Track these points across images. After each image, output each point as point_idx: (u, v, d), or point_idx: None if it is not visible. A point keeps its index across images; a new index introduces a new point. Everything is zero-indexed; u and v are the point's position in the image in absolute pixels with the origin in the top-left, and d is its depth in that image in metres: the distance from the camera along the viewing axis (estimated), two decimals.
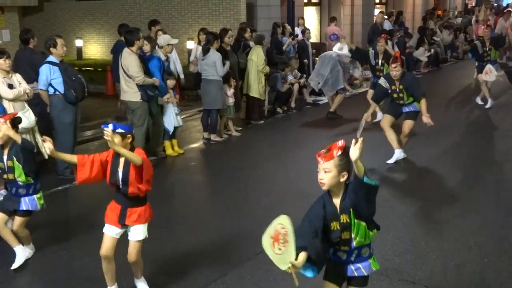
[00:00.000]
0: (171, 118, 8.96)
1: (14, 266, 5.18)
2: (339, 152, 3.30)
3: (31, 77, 8.17)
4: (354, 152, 3.15)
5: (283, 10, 16.64)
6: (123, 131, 4.18)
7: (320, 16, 20.89)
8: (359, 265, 3.53)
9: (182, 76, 10.34)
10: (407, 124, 8.27)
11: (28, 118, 7.38)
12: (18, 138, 4.92)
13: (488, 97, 12.24)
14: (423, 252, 5.46)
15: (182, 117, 9.60)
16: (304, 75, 13.35)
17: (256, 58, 10.77)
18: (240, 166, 8.69)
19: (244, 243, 5.70)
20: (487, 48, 12.09)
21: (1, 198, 6.55)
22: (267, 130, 10.91)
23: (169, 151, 9.10)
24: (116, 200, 4.42)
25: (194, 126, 11.15)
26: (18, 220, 5.09)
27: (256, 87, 10.88)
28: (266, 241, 3.43)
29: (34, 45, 9.15)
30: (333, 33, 16.25)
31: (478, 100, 12.61)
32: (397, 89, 8.07)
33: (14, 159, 4.95)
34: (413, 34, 18.95)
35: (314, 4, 20.76)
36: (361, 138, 3.16)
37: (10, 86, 7.23)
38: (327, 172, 3.31)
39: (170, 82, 8.98)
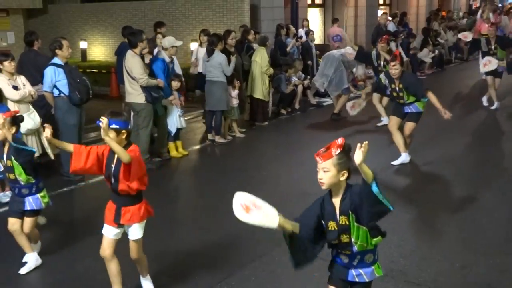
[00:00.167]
0: (174, 120, 8.96)
1: (23, 271, 5.18)
2: (338, 151, 3.23)
3: (36, 79, 8.19)
4: (358, 156, 3.08)
5: (286, 12, 16.63)
6: (117, 126, 4.14)
7: (323, 17, 20.90)
8: (361, 270, 3.44)
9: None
10: (408, 126, 8.22)
11: (33, 119, 7.41)
12: (9, 135, 4.88)
13: (495, 99, 12.19)
14: (428, 253, 5.45)
15: (186, 118, 9.60)
16: (308, 77, 13.35)
17: (260, 59, 10.77)
18: (244, 167, 8.69)
19: (248, 245, 5.70)
20: (493, 47, 12.04)
21: (7, 199, 6.58)
22: (271, 131, 10.90)
23: (173, 153, 9.11)
24: (112, 199, 4.40)
25: (198, 127, 11.15)
26: (27, 221, 5.08)
27: (260, 88, 10.88)
28: (241, 215, 3.51)
29: (39, 47, 9.17)
30: (336, 34, 16.25)
31: (484, 100, 12.57)
32: (397, 88, 8.03)
33: (12, 158, 4.95)
34: (417, 35, 18.91)
35: (318, 6, 20.77)
36: (366, 142, 3.11)
37: (15, 88, 7.27)
38: (326, 172, 3.24)
39: (175, 84, 8.98)
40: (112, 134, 4.12)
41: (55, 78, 7.66)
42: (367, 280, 3.45)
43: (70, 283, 5.04)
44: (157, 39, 9.64)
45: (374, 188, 3.12)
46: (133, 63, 8.16)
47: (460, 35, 15.48)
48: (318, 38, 18.64)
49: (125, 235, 4.54)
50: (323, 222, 3.38)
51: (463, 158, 8.80)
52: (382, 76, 8.37)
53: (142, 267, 4.72)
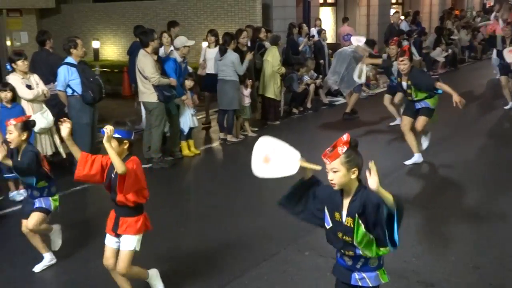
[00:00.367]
0: (187, 119, 8.97)
1: (37, 269, 5.21)
2: (345, 148, 3.12)
3: (48, 78, 8.24)
4: (372, 182, 2.91)
5: (298, 11, 16.61)
6: (119, 136, 4.08)
7: (336, 16, 20.85)
8: (364, 274, 3.29)
9: None
10: (420, 121, 8.06)
11: (46, 118, 7.46)
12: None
13: (509, 99, 12.08)
14: (441, 254, 5.41)
15: (198, 117, 9.62)
16: (320, 76, 13.32)
17: (272, 58, 10.76)
18: None
19: (260, 243, 5.70)
20: (507, 45, 11.91)
21: (21, 197, 6.63)
22: (283, 130, 10.89)
23: (185, 152, 9.12)
24: (114, 209, 4.36)
25: (210, 126, 11.15)
26: (32, 216, 5.01)
27: (272, 87, 10.86)
28: (260, 171, 3.52)
29: (50, 46, 9.23)
30: (347, 34, 16.23)
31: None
32: (406, 84, 7.97)
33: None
34: (430, 34, 18.82)
35: (330, 5, 20.72)
36: (372, 162, 2.96)
37: (28, 87, 7.32)
38: (335, 172, 3.13)
39: (188, 83, 9.00)
40: (114, 143, 4.06)
41: (68, 77, 7.72)
42: (370, 285, 3.30)
43: (83, 282, 5.06)
44: (163, 38, 9.59)
45: (396, 215, 3.02)
46: (145, 62, 8.18)
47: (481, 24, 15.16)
48: (330, 37, 18.60)
49: None
50: (325, 211, 3.31)
51: (477, 159, 8.73)
52: (395, 63, 8.27)
53: (124, 285, 4.47)
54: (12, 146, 4.93)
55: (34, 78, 7.50)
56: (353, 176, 3.16)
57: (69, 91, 7.80)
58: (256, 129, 10.75)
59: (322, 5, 19.61)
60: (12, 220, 5.95)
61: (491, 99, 12.92)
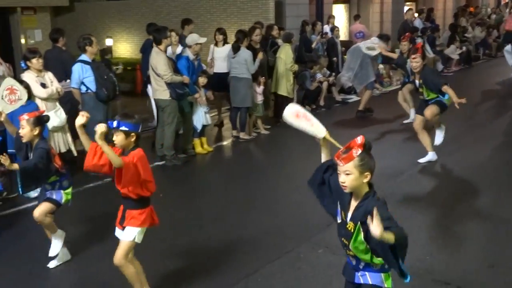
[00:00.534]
0: (200, 116, 8.98)
1: (52, 265, 5.26)
2: (359, 151, 3.05)
3: (60, 76, 8.28)
4: (375, 229, 2.76)
5: (311, 8, 16.56)
6: (126, 129, 4.08)
7: (349, 13, 20.76)
8: (366, 272, 3.24)
9: None
10: (430, 109, 7.86)
11: (59, 117, 7.49)
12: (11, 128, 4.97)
13: None
14: (456, 252, 5.38)
15: (211, 115, 9.62)
16: (333, 73, 13.28)
17: (285, 56, 10.74)
18: (269, 164, 8.68)
19: (274, 241, 5.69)
20: None
21: (36, 194, 6.66)
22: (295, 128, 10.85)
23: (198, 149, 9.14)
24: (122, 202, 4.36)
25: (223, 124, 11.16)
26: (41, 205, 5.03)
27: (285, 85, 10.84)
28: (291, 118, 3.57)
29: (63, 44, 9.27)
30: (359, 31, 16.15)
31: None
32: (418, 83, 7.91)
33: None
34: (444, 31, 18.70)
35: (343, 2, 20.63)
36: (375, 210, 2.82)
37: (43, 85, 7.35)
38: (348, 175, 3.06)
39: (202, 80, 9.00)
40: (121, 136, 4.08)
41: (82, 75, 7.76)
42: (370, 282, 3.23)
43: (97, 277, 5.08)
44: (171, 37, 9.49)
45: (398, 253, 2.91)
46: (157, 59, 8.20)
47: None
48: (343, 35, 18.53)
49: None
50: (338, 206, 3.28)
51: (492, 158, 8.65)
52: (408, 63, 8.22)
53: (128, 277, 4.39)
54: (24, 140, 4.94)
55: (49, 76, 7.53)
56: (365, 180, 3.11)
57: (83, 89, 7.85)
58: (269, 126, 10.74)
59: (335, 2, 19.52)
60: (27, 216, 5.98)
61: (507, 97, 12.80)
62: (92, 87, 7.79)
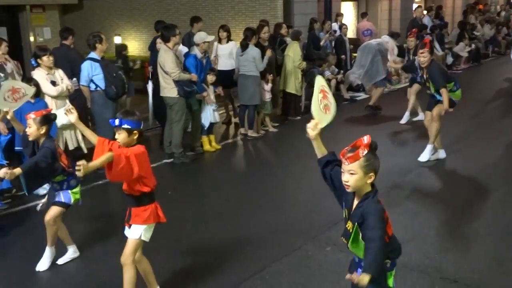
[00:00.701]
0: (208, 114, 8.99)
1: (60, 261, 5.29)
2: (365, 151, 3.02)
3: (67, 74, 8.31)
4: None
5: (320, 6, 16.52)
6: (129, 126, 4.06)
7: (357, 11, 20.69)
8: None
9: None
10: (437, 109, 7.81)
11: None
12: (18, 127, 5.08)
13: None
14: (464, 250, 5.36)
15: (219, 113, 9.63)
16: (342, 71, 13.25)
17: (293, 54, 10.73)
18: (277, 161, 8.68)
19: (281, 239, 5.69)
20: None
21: (45, 191, 6.70)
22: (303, 126, 10.70)
23: (206, 147, 9.15)
24: (127, 200, 4.34)
25: (231, 123, 11.16)
26: (51, 209, 5.06)
27: (293, 83, 10.84)
28: (319, 84, 3.43)
29: (71, 43, 9.32)
30: (367, 29, 16.12)
31: None
32: (425, 77, 7.85)
33: None
34: (453, 29, 18.62)
35: None
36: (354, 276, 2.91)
37: (53, 83, 7.37)
38: (352, 174, 3.04)
39: (210, 77, 9.01)
40: (124, 134, 4.07)
41: (91, 72, 7.79)
42: None
43: (105, 273, 5.10)
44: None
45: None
46: (165, 57, 8.22)
47: None
48: (351, 32, 18.48)
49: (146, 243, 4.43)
50: (343, 203, 3.27)
51: (501, 156, 8.62)
52: (416, 60, 8.15)
53: (126, 277, 4.33)
54: (30, 139, 4.94)
55: (59, 74, 7.56)
56: (369, 181, 3.09)
57: (92, 86, 7.87)
58: (277, 124, 10.74)
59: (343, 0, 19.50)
60: (35, 213, 6.01)
61: None
62: (101, 84, 7.81)
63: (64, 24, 15.78)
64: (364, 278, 2.87)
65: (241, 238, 5.80)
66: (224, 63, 10.36)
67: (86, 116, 8.52)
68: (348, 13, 20.19)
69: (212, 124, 9.15)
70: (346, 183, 3.07)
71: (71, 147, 7.66)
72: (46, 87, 7.29)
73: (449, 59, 16.78)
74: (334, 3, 17.12)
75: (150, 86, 9.73)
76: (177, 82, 8.22)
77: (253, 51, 9.53)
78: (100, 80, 7.81)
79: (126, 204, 4.37)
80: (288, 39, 11.27)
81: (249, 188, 7.55)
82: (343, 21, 15.69)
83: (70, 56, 8.98)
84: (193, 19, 10.91)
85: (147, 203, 4.27)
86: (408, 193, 6.99)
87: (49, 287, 5.04)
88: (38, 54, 7.39)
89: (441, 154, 8.22)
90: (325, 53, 13.10)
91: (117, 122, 4.06)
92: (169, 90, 8.33)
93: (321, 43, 13.43)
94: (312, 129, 3.39)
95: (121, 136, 4.10)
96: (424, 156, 8.05)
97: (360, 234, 3.08)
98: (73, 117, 4.31)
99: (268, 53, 9.75)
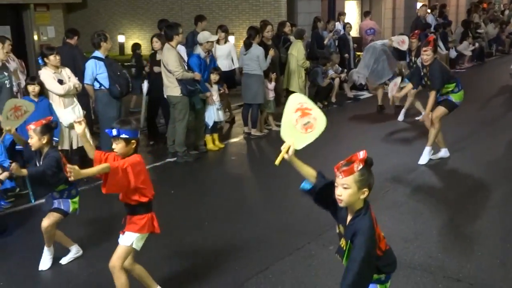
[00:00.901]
0: (211, 113, 8.99)
1: (64, 261, 5.30)
2: (360, 166, 2.97)
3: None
4: None
5: (323, 4, 16.53)
6: (127, 136, 4.02)
7: (361, 9, 20.69)
8: None
9: (236, 66, 10.56)
10: (436, 110, 7.77)
11: (76, 113, 7.49)
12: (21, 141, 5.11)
13: None
14: (468, 249, 5.36)
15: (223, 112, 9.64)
16: (345, 70, 13.25)
17: (297, 52, 10.73)
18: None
19: (285, 238, 5.70)
20: None
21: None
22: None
23: (210, 146, 9.15)
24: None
25: (235, 120, 11.17)
26: (49, 215, 5.05)
27: (296, 81, 10.84)
28: (294, 101, 3.32)
29: (75, 42, 9.34)
30: (369, 28, 16.10)
31: None
32: (427, 75, 7.76)
33: None
34: (456, 27, 18.59)
35: None
36: None
37: (60, 82, 7.36)
38: (346, 188, 2.97)
39: (214, 77, 9.00)
40: (122, 144, 4.02)
41: (96, 71, 7.81)
42: None
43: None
44: (154, 42, 9.31)
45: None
46: (168, 56, 8.22)
47: None
48: (355, 31, 18.47)
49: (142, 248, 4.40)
50: (335, 219, 3.23)
51: (503, 155, 8.62)
52: (418, 60, 8.10)
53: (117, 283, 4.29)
54: (33, 149, 4.93)
55: (66, 72, 7.54)
56: (362, 197, 3.03)
57: (96, 85, 7.89)
58: (280, 123, 10.70)
59: None
60: (39, 213, 6.02)
61: None
62: (106, 83, 7.83)
63: (68, 23, 15.82)
64: None
65: (244, 237, 5.80)
66: (222, 64, 10.38)
67: (90, 115, 8.52)
68: (352, 11, 20.19)
69: (215, 123, 9.15)
70: (339, 197, 3.01)
71: (75, 146, 7.65)
72: (53, 85, 7.28)
73: (453, 53, 16.75)
74: (338, 1, 17.13)
75: (145, 85, 9.69)
76: (180, 81, 8.23)
77: (256, 50, 9.53)
78: (104, 79, 7.82)
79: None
80: (292, 38, 11.27)
81: (252, 187, 7.55)
82: (347, 20, 15.69)
83: (73, 55, 8.99)
84: (197, 18, 10.92)
85: (144, 212, 4.22)
86: (411, 193, 6.98)
87: (53, 286, 5.06)
88: (45, 53, 7.40)
89: (445, 153, 8.21)
90: (329, 52, 13.10)
91: (114, 132, 4.00)
92: (172, 89, 8.33)
93: (325, 42, 13.43)
94: (286, 153, 3.29)
95: (118, 146, 4.05)
96: (424, 159, 8.02)
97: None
98: (80, 128, 4.20)
99: (271, 52, 9.75)
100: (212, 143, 9.20)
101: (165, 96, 8.65)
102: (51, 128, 4.99)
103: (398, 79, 9.42)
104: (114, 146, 4.08)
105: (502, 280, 4.78)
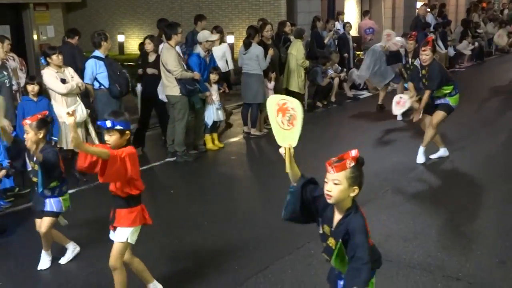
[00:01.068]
0: (211, 113, 8.99)
1: (63, 261, 5.30)
2: (352, 163, 2.95)
3: None
4: None
5: (323, 4, 16.54)
6: (121, 127, 4.01)
7: (361, 8, 20.70)
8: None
9: (231, 67, 10.51)
10: (436, 115, 7.75)
11: (79, 112, 7.48)
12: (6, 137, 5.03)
13: None
14: (467, 248, 5.36)
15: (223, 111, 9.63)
16: (345, 69, 13.25)
17: (296, 52, 10.73)
18: (279, 160, 8.62)
19: (285, 237, 5.70)
20: None
21: None
22: (306, 124, 10.66)
23: (209, 145, 9.15)
24: (112, 201, 4.29)
25: (234, 120, 11.17)
26: (44, 221, 5.04)
27: (296, 81, 10.85)
28: (272, 106, 3.23)
29: (76, 42, 9.34)
30: (368, 27, 16.10)
31: None
32: (426, 76, 7.71)
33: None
34: (456, 27, 18.60)
35: None
36: None
37: (63, 81, 7.34)
38: (336, 184, 2.94)
39: (213, 76, 9.00)
40: (116, 135, 4.00)
41: (95, 71, 7.80)
42: None
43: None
44: (147, 44, 9.19)
45: None
46: (167, 55, 8.21)
47: None
48: (355, 30, 18.48)
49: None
50: (319, 219, 3.20)
51: (503, 154, 8.62)
52: (416, 61, 8.03)
53: (117, 280, 4.30)
54: (28, 145, 4.87)
55: (69, 72, 7.51)
56: (352, 194, 3.01)
57: (96, 85, 7.88)
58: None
59: None
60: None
61: None
62: (105, 83, 7.82)
63: (68, 22, 15.82)
64: None
65: (244, 236, 5.80)
66: (219, 65, 10.35)
67: (94, 114, 8.50)
68: (352, 11, 20.20)
69: (215, 123, 9.15)
70: (329, 193, 2.98)
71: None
72: (55, 85, 7.26)
73: (451, 51, 16.77)
74: (338, 1, 17.14)
75: (139, 88, 9.60)
76: (180, 81, 8.22)
77: (256, 49, 9.54)
78: (104, 78, 7.82)
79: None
80: (292, 38, 11.28)
81: (252, 187, 7.55)
82: (347, 19, 15.69)
83: (73, 54, 9.00)
84: (197, 18, 10.92)
85: (133, 205, 4.21)
86: (410, 192, 6.99)
87: (52, 286, 5.06)
88: (48, 52, 7.38)
89: (444, 152, 8.20)
90: (328, 51, 13.10)
91: (109, 124, 3.96)
92: (171, 89, 8.33)
93: (325, 41, 13.42)
94: (286, 156, 3.27)
95: (113, 138, 4.03)
96: (420, 159, 8.03)
97: (345, 250, 3.01)
98: (70, 119, 4.00)
99: (271, 51, 9.75)
100: (211, 142, 9.20)
101: (159, 97, 8.69)
102: (47, 122, 4.97)
103: (397, 96, 9.33)
104: (107, 138, 4.04)
105: (502, 279, 4.78)
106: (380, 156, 8.34)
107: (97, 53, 7.87)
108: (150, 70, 8.86)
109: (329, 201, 3.00)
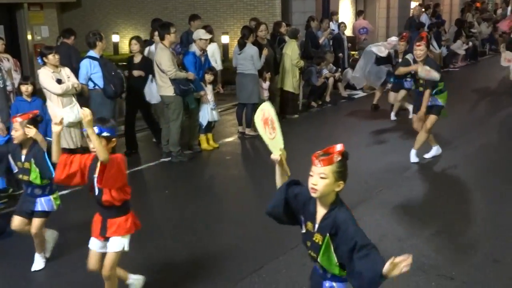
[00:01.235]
0: (205, 113, 8.99)
1: (47, 254, 5.30)
2: (339, 158, 2.92)
3: None
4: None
5: (318, 4, 16.54)
6: (108, 134, 3.98)
7: (355, 9, 20.72)
8: (334, 284, 3.10)
9: (219, 68, 10.45)
10: (429, 119, 7.76)
11: (74, 113, 7.47)
12: (41, 140, 4.83)
13: None
14: (461, 247, 5.39)
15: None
16: (339, 69, 13.27)
17: (291, 52, 10.74)
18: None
19: (279, 237, 5.69)
20: None
21: None
22: (301, 124, 10.87)
23: (204, 145, 9.15)
24: (98, 212, 4.21)
25: (229, 120, 11.18)
26: (36, 221, 5.01)
27: (291, 81, 10.85)
28: (258, 124, 3.35)
29: (72, 42, 9.32)
30: (362, 27, 16.13)
31: None
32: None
33: (32, 161, 4.85)
34: (450, 27, 18.66)
35: None
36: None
37: (59, 81, 7.31)
38: (323, 178, 2.89)
39: (208, 77, 8.98)
40: (103, 142, 3.92)
41: (90, 71, 7.79)
42: None
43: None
44: (155, 36, 9.16)
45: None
46: (162, 55, 8.19)
47: None
48: (349, 30, 18.51)
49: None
50: (301, 218, 3.16)
51: (498, 153, 8.66)
52: (409, 55, 7.91)
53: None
54: (15, 142, 4.86)
55: (65, 72, 7.48)
56: (337, 189, 2.96)
57: (91, 85, 7.87)
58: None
59: None
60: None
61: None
62: (100, 83, 7.81)
63: (62, 22, 15.78)
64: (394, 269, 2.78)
65: (238, 236, 5.81)
66: None
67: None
68: (346, 11, 20.21)
69: (209, 123, 9.15)
70: (314, 186, 2.92)
71: (79, 145, 7.57)
72: (50, 85, 7.23)
73: (444, 51, 16.83)
74: (332, 1, 17.15)
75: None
76: (174, 81, 8.21)
77: (250, 49, 9.54)
78: (98, 78, 7.81)
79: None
80: (287, 38, 11.28)
81: (247, 187, 7.56)
82: (341, 19, 15.71)
83: (69, 54, 8.98)
84: (191, 17, 10.91)
85: (126, 212, 4.21)
86: (405, 192, 7.01)
87: (47, 287, 5.05)
88: (44, 52, 7.36)
89: (437, 150, 8.22)
90: (323, 51, 13.11)
91: (96, 130, 3.91)
92: (165, 89, 8.31)
93: (320, 41, 13.43)
94: (283, 161, 3.36)
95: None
96: (414, 158, 8.05)
97: (332, 247, 2.96)
98: (56, 128, 4.08)
99: (265, 51, 9.75)
100: (206, 142, 9.20)
101: (146, 99, 8.74)
102: (37, 122, 4.95)
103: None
104: (92, 146, 3.96)
105: (495, 279, 4.80)
106: (374, 155, 8.36)
107: (92, 53, 7.86)
108: (136, 72, 8.72)
109: (314, 194, 2.95)
